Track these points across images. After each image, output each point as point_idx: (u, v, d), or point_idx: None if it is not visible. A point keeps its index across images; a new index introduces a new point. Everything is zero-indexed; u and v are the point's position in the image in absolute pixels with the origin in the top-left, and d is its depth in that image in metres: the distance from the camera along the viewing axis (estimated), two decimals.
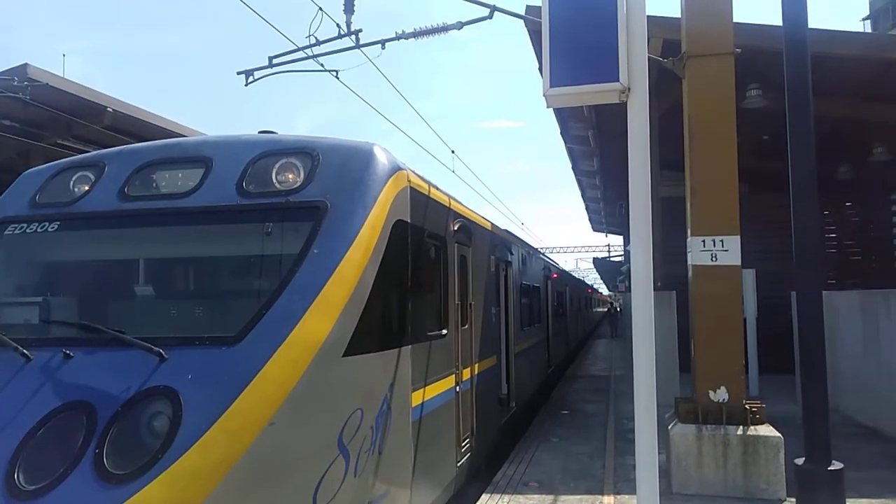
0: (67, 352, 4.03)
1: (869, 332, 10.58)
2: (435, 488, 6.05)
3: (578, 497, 7.28)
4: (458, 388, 6.92)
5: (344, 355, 4.28)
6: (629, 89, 3.70)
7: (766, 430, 7.20)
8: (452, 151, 18.07)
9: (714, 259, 7.43)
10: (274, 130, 5.73)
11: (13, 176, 5.81)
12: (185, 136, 13.34)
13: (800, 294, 4.09)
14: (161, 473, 3.38)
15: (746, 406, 7.32)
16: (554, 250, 62.49)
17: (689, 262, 7.75)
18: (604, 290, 75.42)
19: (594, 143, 17.13)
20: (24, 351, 4.07)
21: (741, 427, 7.21)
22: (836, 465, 3.94)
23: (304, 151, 4.95)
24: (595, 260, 48.32)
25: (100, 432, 3.57)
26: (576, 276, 38.95)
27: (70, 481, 3.39)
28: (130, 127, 13.26)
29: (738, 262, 7.45)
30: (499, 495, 7.35)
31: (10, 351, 4.10)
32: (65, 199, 5.10)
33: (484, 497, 7.30)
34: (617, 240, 47.79)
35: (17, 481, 3.41)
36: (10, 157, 13.12)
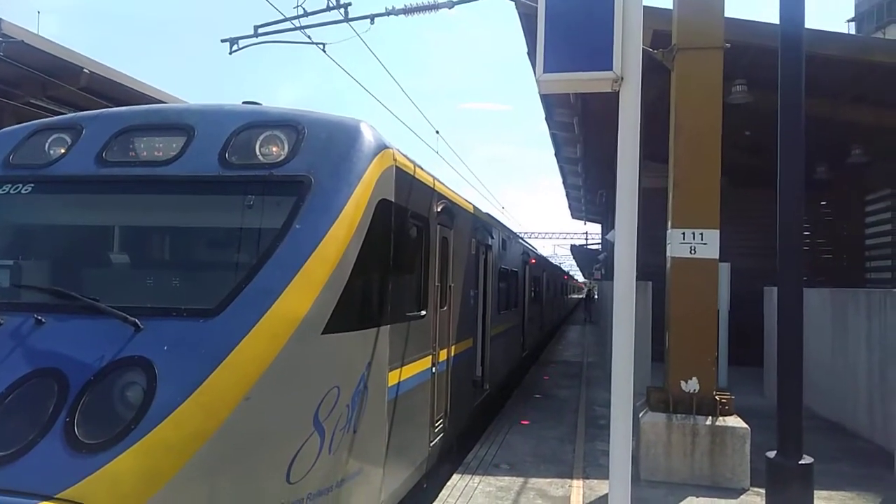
0: (39, 318, 3.94)
1: (837, 329, 10.82)
2: (407, 467, 6.08)
3: (548, 480, 7.38)
4: (434, 370, 6.94)
5: (323, 332, 4.25)
6: (622, 79, 3.69)
7: (734, 422, 7.35)
8: (437, 132, 17.97)
9: (693, 252, 7.51)
10: (258, 101, 5.62)
11: None
12: (164, 102, 13.07)
13: (781, 290, 4.14)
14: (134, 444, 3.33)
15: (716, 397, 7.46)
16: (532, 235, 62.80)
17: (668, 253, 7.82)
18: (579, 278, 76.04)
19: (578, 130, 17.16)
20: None
21: (710, 417, 7.35)
22: (806, 460, 4.03)
23: (289, 125, 4.87)
24: (572, 247, 48.65)
25: (71, 401, 3.51)
26: (553, 262, 39.20)
27: (40, 449, 3.33)
28: (107, 90, 12.93)
29: (717, 256, 7.55)
30: (470, 476, 7.42)
31: None
32: (40, 161, 4.95)
33: (455, 477, 7.37)
34: (595, 228, 48.17)
35: None
36: None
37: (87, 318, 3.95)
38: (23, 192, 4.78)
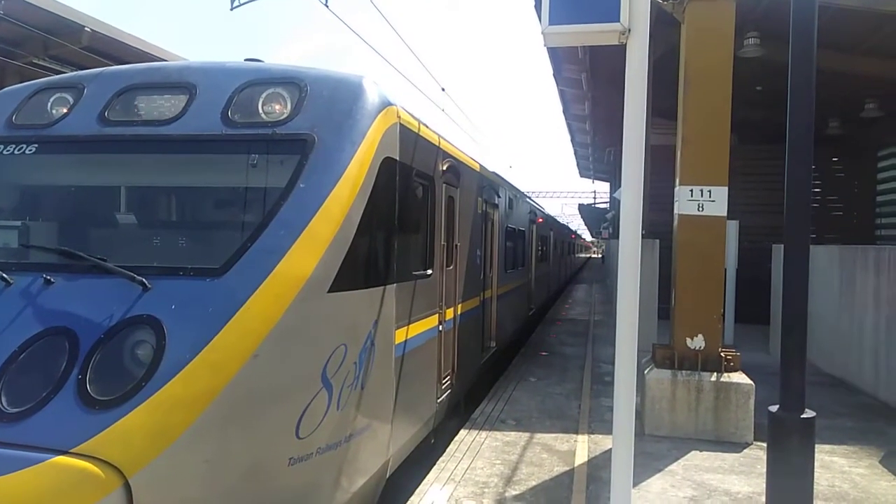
0: (48, 277, 3.97)
1: (845, 286, 10.80)
2: (415, 423, 6.18)
3: (554, 435, 7.50)
4: (440, 328, 6.99)
5: (329, 291, 4.27)
6: (629, 31, 3.62)
7: (739, 378, 7.41)
8: (443, 89, 17.72)
9: (701, 209, 7.45)
10: (260, 59, 5.55)
11: None
12: (166, 60, 12.91)
13: (787, 244, 4.11)
14: (145, 401, 3.39)
15: (721, 354, 7.50)
16: (540, 194, 62.52)
17: (676, 210, 7.77)
18: (587, 237, 75.92)
19: (587, 86, 16.88)
20: (4, 275, 4.01)
21: (715, 374, 7.41)
22: (808, 414, 4.07)
23: (292, 82, 4.81)
24: (580, 206, 48.44)
25: (82, 358, 3.57)
26: (560, 221, 39.09)
27: (53, 405, 3.40)
28: (109, 48, 12.80)
29: (724, 213, 7.49)
30: (476, 431, 7.54)
31: None
32: (43, 121, 4.93)
33: (462, 433, 7.49)
34: (603, 186, 47.86)
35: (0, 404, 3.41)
36: None
37: (95, 278, 3.99)
38: (27, 152, 4.78)
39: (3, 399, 3.44)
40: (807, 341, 4.17)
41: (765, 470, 4.47)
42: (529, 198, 17.94)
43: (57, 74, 7.31)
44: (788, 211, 4.20)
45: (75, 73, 5.63)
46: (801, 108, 4.19)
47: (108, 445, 3.25)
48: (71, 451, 3.21)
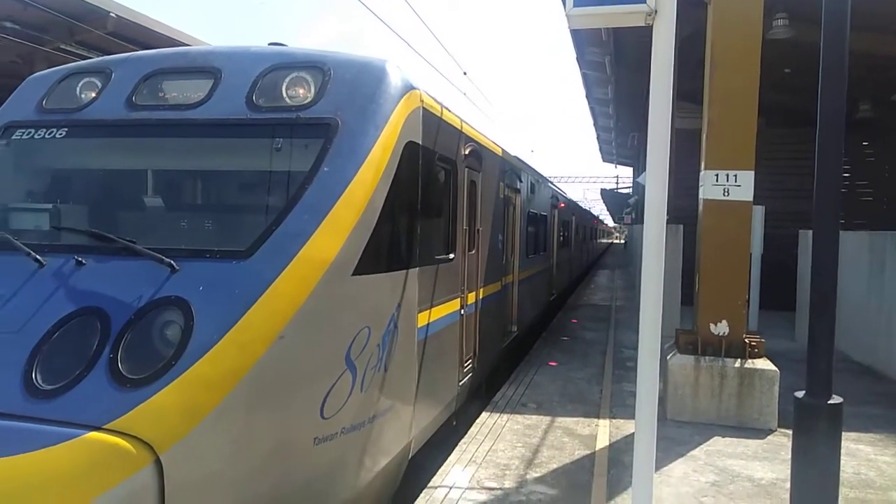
0: (79, 259, 4.06)
1: (874, 272, 10.61)
2: (437, 405, 6.24)
3: (575, 419, 7.51)
4: (462, 311, 7.02)
5: (353, 274, 4.32)
6: (656, 12, 3.56)
7: (764, 364, 7.35)
8: (465, 73, 17.63)
9: (726, 194, 7.36)
10: (283, 43, 5.57)
11: (16, 81, 5.70)
12: (189, 45, 13.00)
13: (816, 230, 4.05)
14: (174, 380, 3.46)
15: (746, 340, 7.44)
16: (562, 179, 62.05)
17: (701, 195, 7.68)
18: (609, 222, 75.30)
19: (610, 70, 16.67)
20: (37, 256, 4.11)
21: (739, 360, 7.35)
22: (835, 400, 4.02)
23: (315, 66, 4.83)
24: (602, 191, 47.98)
25: (114, 338, 3.64)
26: (582, 206, 38.82)
27: (86, 383, 3.48)
28: (134, 34, 12.90)
29: (751, 198, 7.39)
30: (498, 414, 7.59)
31: (22, 256, 4.14)
32: (72, 106, 5.02)
33: (483, 415, 7.54)
34: (626, 171, 47.35)
35: (35, 381, 3.51)
36: (12, 61, 12.86)
37: (125, 260, 4.07)
38: (57, 136, 4.87)
39: (38, 376, 3.54)
40: (835, 327, 4.12)
41: (788, 457, 4.45)
42: (551, 182, 17.83)
43: (83, 60, 7.41)
44: (818, 196, 4.13)
45: (103, 58, 5.71)
46: (833, 91, 4.11)
47: (140, 422, 3.33)
48: (104, 427, 3.29)
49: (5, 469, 3.15)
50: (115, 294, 3.86)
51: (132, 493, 3.22)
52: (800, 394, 4.15)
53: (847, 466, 5.98)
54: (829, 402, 4.03)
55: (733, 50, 7.36)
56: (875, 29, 11.49)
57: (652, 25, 3.60)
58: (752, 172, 7.35)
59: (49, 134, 4.89)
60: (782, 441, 6.82)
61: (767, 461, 6.28)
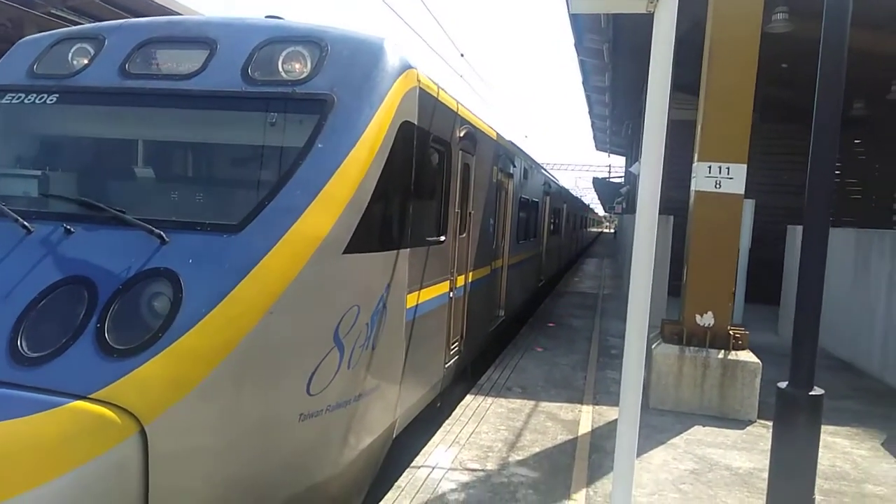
0: (68, 227, 4.03)
1: (859, 270, 10.73)
2: (423, 386, 6.27)
3: (559, 404, 7.59)
4: (451, 294, 7.04)
5: (344, 252, 4.31)
6: None
7: (746, 356, 7.44)
8: (462, 55, 17.51)
9: (718, 186, 7.39)
10: (280, 16, 5.50)
11: (5, 45, 5.60)
12: (183, 14, 12.81)
13: (807, 226, 4.08)
14: (161, 351, 3.46)
15: (730, 332, 7.52)
16: (554, 166, 62.02)
17: (693, 187, 7.71)
18: (599, 211, 75.48)
19: (608, 57, 16.61)
20: (25, 223, 4.07)
21: (722, 351, 7.44)
22: (817, 391, 4.09)
23: (312, 41, 4.78)
24: (595, 179, 48.03)
25: (101, 308, 3.63)
26: (574, 194, 38.88)
27: (72, 351, 3.47)
28: (128, 1, 12.71)
29: (742, 191, 7.43)
30: (483, 397, 7.64)
31: (10, 222, 4.10)
32: (63, 71, 4.94)
33: (468, 398, 7.59)
34: (619, 161, 47.40)
35: (20, 348, 3.49)
36: (2, 24, 12.62)
37: (114, 230, 4.04)
38: (48, 101, 4.80)
39: (24, 343, 3.52)
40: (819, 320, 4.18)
41: (767, 447, 4.53)
42: (544, 169, 17.82)
43: (74, 25, 7.28)
44: (810, 193, 4.16)
45: (96, 24, 5.61)
46: (831, 88, 4.12)
47: (126, 392, 3.33)
48: (89, 396, 3.29)
49: None
50: (104, 264, 3.84)
51: (116, 462, 3.23)
52: (783, 384, 4.21)
53: (823, 459, 6.07)
54: (810, 393, 4.09)
55: (732, 42, 7.36)
56: (873, 27, 11.51)
57: (653, 13, 3.58)
58: (745, 166, 7.39)
59: (39, 99, 4.81)
60: (761, 432, 6.93)
61: (746, 451, 6.38)
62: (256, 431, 3.84)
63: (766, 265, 14.34)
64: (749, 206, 12.92)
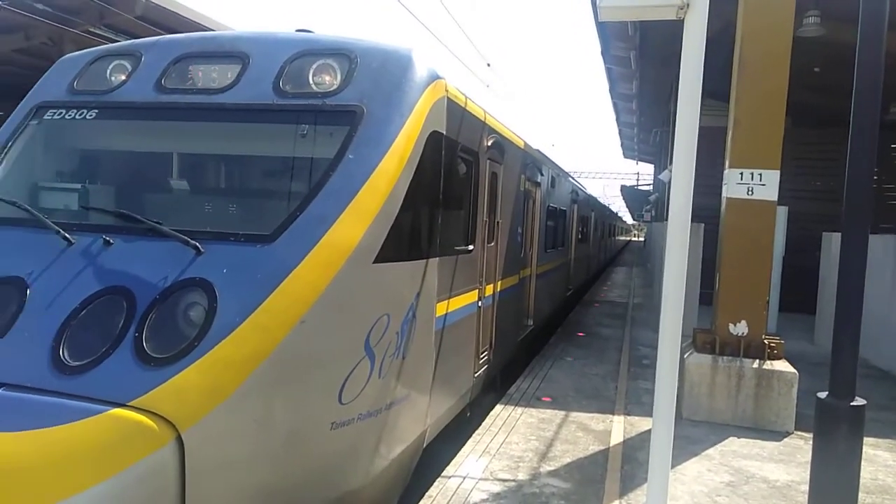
0: (107, 238, 4.13)
1: None
2: (452, 395, 6.26)
3: (589, 414, 7.51)
4: (480, 303, 7.04)
5: (374, 262, 4.34)
6: (688, 5, 3.53)
7: (782, 366, 7.29)
8: (488, 64, 17.57)
9: (750, 193, 7.29)
10: (310, 29, 5.59)
11: (46, 62, 5.78)
12: (216, 30, 13.08)
13: (846, 235, 4.00)
14: (197, 360, 3.51)
15: (765, 341, 7.38)
16: (582, 174, 61.72)
17: (724, 194, 7.61)
18: (627, 219, 74.78)
19: (635, 65, 16.53)
20: (66, 235, 4.18)
21: (757, 361, 7.30)
22: (858, 402, 3.99)
23: (342, 53, 4.85)
24: (622, 187, 47.59)
25: (139, 317, 3.71)
26: (602, 202, 38.59)
27: (112, 360, 3.55)
28: (162, 18, 13.01)
29: (775, 198, 7.31)
30: (512, 406, 7.60)
31: (52, 234, 4.21)
32: (102, 88, 5.09)
33: (498, 407, 7.56)
34: (647, 168, 46.95)
35: (62, 357, 3.58)
36: (43, 43, 13.04)
37: (151, 241, 4.12)
38: (87, 117, 4.94)
39: (66, 352, 3.61)
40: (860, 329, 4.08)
41: (805, 459, 4.43)
42: (572, 177, 17.74)
43: (112, 42, 7.49)
44: (849, 199, 4.08)
45: (132, 41, 5.77)
46: (868, 92, 4.05)
47: (163, 400, 3.39)
48: (128, 403, 3.35)
49: (33, 442, 3.23)
50: (141, 274, 3.92)
51: (154, 469, 3.29)
52: (822, 395, 4.12)
53: (865, 472, 5.90)
54: (851, 403, 3.99)
55: (763, 47, 7.26)
56: None
57: (683, 19, 3.57)
58: (778, 172, 7.27)
59: (80, 115, 4.96)
60: (799, 444, 6.77)
61: (783, 463, 6.24)
62: (289, 439, 3.87)
63: (799, 273, 14.05)
64: (782, 214, 12.70)
